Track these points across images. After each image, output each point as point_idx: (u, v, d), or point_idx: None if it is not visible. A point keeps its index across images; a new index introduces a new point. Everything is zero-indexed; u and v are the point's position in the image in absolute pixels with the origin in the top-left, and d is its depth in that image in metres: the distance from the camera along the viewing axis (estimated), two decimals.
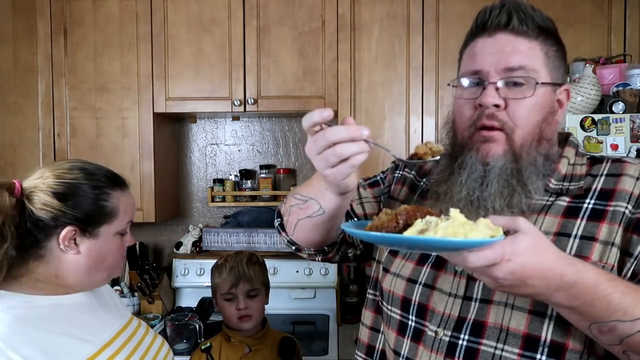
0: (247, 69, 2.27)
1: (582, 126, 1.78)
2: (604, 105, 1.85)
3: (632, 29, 2.18)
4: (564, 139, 1.00)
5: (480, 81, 0.91)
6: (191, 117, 2.67)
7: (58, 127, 2.31)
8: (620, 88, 1.90)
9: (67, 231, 1.04)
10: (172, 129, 2.64)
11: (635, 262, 0.84)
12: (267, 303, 1.76)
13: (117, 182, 1.13)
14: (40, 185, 1.05)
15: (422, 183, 1.09)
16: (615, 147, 1.77)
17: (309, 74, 2.27)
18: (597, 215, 0.87)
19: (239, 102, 2.27)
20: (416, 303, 0.95)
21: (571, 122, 1.78)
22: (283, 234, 1.07)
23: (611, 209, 0.87)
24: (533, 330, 0.85)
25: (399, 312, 0.99)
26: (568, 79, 2.01)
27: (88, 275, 1.08)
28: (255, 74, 2.28)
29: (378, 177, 1.18)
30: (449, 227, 0.68)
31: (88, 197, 1.06)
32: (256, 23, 2.27)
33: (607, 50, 2.19)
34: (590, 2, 2.20)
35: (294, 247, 1.07)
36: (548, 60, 0.92)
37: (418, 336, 0.94)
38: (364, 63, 2.26)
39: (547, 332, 0.84)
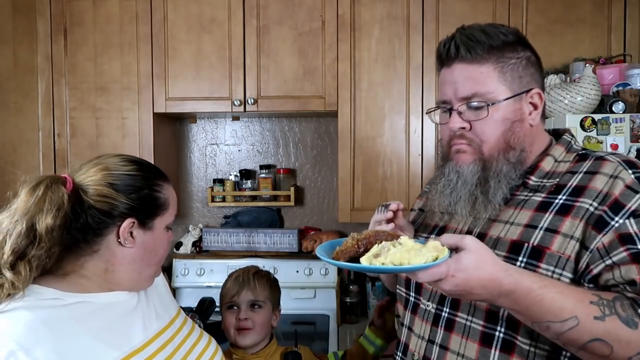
0: (247, 69, 2.28)
1: (582, 126, 1.77)
2: (604, 105, 1.85)
3: (632, 29, 2.18)
4: (559, 136, 1.10)
5: (448, 109, 1.06)
6: (191, 117, 2.67)
7: (58, 127, 2.31)
8: (620, 88, 1.90)
9: (127, 223, 1.00)
10: (172, 129, 2.64)
11: (590, 255, 0.92)
12: (275, 326, 1.64)
13: (164, 175, 1.12)
14: (94, 177, 1.01)
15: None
16: (615, 147, 1.77)
17: (309, 73, 2.27)
18: (564, 210, 0.97)
19: (239, 102, 2.27)
20: (414, 281, 1.13)
21: (571, 122, 1.78)
22: None
23: (578, 204, 0.96)
24: (493, 307, 0.99)
25: (404, 290, 1.19)
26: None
27: (139, 270, 1.05)
28: (255, 74, 2.28)
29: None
30: (397, 252, 0.84)
31: (144, 188, 1.04)
32: (256, 23, 2.27)
33: (607, 50, 2.19)
34: (590, 2, 2.20)
35: None
36: (505, 76, 1.02)
37: (415, 309, 1.14)
38: (364, 63, 2.26)
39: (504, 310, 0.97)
